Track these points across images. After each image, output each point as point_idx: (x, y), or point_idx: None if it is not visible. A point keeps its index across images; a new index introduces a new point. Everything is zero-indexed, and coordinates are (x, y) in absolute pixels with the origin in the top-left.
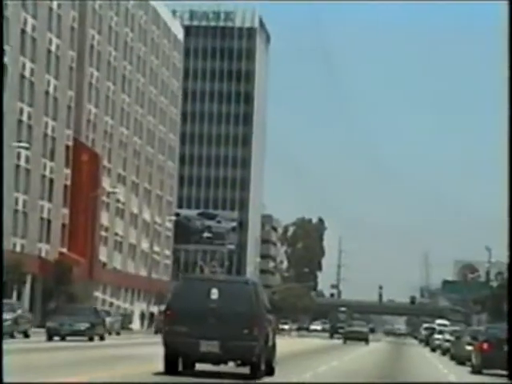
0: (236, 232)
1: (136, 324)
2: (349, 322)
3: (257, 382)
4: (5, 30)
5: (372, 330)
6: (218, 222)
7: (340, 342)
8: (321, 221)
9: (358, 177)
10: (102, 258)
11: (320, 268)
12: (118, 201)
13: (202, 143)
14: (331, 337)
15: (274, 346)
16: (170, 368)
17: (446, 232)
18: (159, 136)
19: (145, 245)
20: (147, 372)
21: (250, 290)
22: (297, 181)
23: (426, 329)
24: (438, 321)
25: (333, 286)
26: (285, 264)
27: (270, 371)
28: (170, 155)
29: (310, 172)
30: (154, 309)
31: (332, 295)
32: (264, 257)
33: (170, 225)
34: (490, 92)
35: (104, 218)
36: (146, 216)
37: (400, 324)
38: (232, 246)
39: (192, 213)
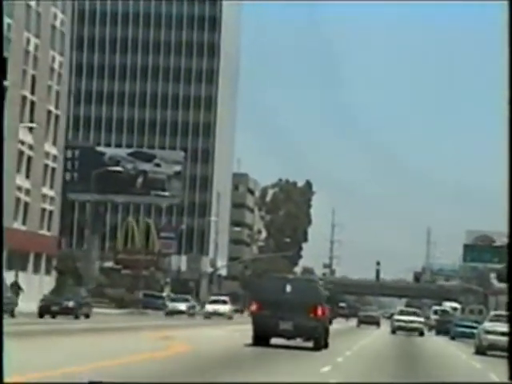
0: (180, 179)
1: None
2: (363, 307)
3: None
4: None
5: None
6: (157, 165)
7: None
8: (308, 184)
9: (351, 142)
10: None
11: (305, 239)
12: None
13: (155, 78)
14: None
15: (328, 327)
16: (258, 341)
17: (450, 207)
18: None
19: None
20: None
21: (313, 285)
22: (279, 136)
23: (437, 312)
24: (448, 303)
25: (325, 266)
26: (263, 234)
27: (326, 345)
28: (54, 41)
29: (295, 127)
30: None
31: (324, 275)
32: (237, 224)
33: (54, 151)
34: (490, 92)
35: None
36: None
37: (402, 307)
38: (174, 198)
39: (121, 152)
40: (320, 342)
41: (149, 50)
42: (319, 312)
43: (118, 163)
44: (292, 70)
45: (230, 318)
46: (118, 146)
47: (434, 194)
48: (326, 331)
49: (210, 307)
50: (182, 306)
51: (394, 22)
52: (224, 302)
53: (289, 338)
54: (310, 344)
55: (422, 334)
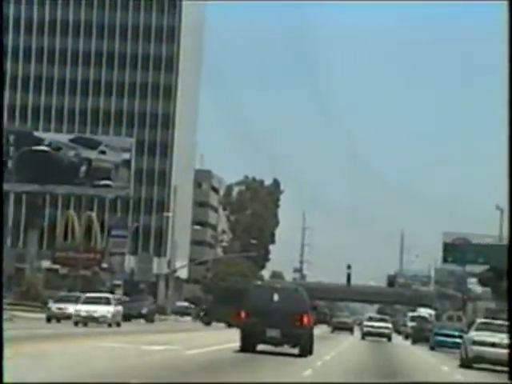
0: (129, 169)
1: None
2: (335, 313)
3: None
4: None
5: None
6: (102, 152)
7: None
8: (276, 183)
9: (322, 140)
10: None
11: (273, 241)
12: None
13: (111, 64)
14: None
15: (313, 334)
16: (246, 347)
17: (423, 211)
18: None
19: None
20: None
21: (299, 295)
22: (246, 131)
23: (414, 319)
24: (422, 309)
25: (296, 270)
26: (228, 235)
27: (311, 352)
28: None
29: (263, 122)
30: None
31: (294, 279)
32: (200, 224)
33: None
34: (489, 93)
35: None
36: None
37: (371, 314)
38: (121, 190)
39: (62, 138)
40: (306, 349)
41: (104, 34)
42: (305, 320)
43: (58, 150)
44: (259, 61)
45: (113, 324)
46: None
47: (407, 198)
48: (311, 338)
49: (82, 308)
50: (71, 309)
51: (393, 21)
52: (106, 302)
53: (276, 345)
54: (296, 351)
55: (389, 339)
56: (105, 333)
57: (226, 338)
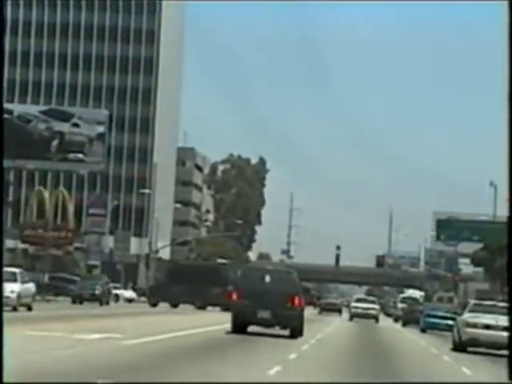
0: (104, 143)
1: None
2: (324, 295)
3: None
4: None
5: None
6: (75, 125)
7: None
8: (262, 161)
9: (312, 121)
10: None
11: (259, 221)
12: None
13: (89, 37)
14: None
15: (303, 316)
16: (237, 328)
17: (412, 190)
18: None
19: None
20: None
21: (291, 276)
22: (231, 106)
23: (404, 300)
24: (411, 291)
25: (283, 252)
26: (212, 215)
27: (301, 333)
28: None
29: (251, 99)
30: None
31: (282, 261)
32: (183, 203)
33: None
34: (489, 93)
35: None
36: None
37: (359, 295)
38: (96, 165)
39: (32, 110)
40: (296, 330)
41: (81, 6)
42: (296, 302)
43: (28, 122)
44: (245, 37)
45: (19, 307)
46: None
47: (396, 177)
48: (302, 320)
49: None
50: None
51: (393, 20)
52: (10, 279)
53: (267, 326)
54: (287, 332)
55: (377, 320)
56: (28, 318)
57: (187, 324)
